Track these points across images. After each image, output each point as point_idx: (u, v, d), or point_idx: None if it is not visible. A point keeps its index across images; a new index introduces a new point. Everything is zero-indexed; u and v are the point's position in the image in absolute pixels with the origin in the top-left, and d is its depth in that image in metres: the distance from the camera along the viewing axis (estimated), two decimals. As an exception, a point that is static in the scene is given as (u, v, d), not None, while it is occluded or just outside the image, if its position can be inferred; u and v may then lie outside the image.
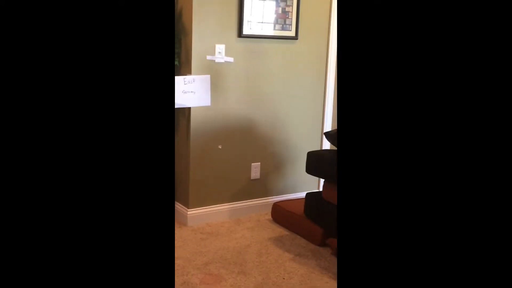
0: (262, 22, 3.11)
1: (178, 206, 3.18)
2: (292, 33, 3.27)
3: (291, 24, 3.25)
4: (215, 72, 3.03)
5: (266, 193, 3.53)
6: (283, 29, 3.22)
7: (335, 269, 2.61)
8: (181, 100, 2.78)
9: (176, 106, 2.72)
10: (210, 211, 3.27)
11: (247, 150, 3.35)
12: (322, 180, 3.62)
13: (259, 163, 3.42)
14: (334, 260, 2.75)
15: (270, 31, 3.17)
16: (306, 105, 3.57)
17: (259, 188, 3.48)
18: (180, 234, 2.92)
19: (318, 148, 3.72)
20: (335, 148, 3.16)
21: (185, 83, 2.80)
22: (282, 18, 3.20)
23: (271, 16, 3.15)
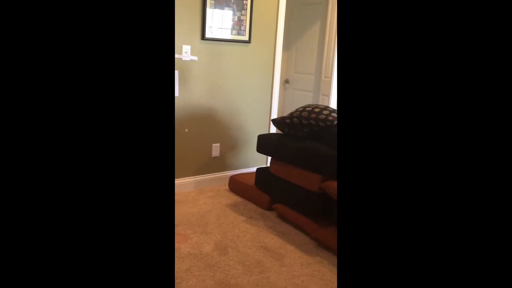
0: (221, 28, 3.26)
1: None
2: (246, 38, 3.45)
3: (245, 30, 3.42)
4: (182, 69, 3.16)
5: (224, 168, 3.74)
6: (238, 34, 3.38)
7: (279, 228, 2.83)
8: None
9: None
10: (178, 183, 3.42)
11: (209, 133, 3.51)
12: (269, 158, 3.97)
13: (219, 143, 3.61)
14: (278, 221, 2.96)
15: (228, 35, 3.32)
16: (257, 97, 3.77)
17: (218, 164, 3.68)
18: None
19: (266, 132, 3.94)
20: (280, 132, 3.48)
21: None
22: (238, 25, 3.36)
23: (229, 23, 3.30)
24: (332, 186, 2.59)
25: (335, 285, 2.21)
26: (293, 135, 3.04)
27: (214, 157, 3.65)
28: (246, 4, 3.38)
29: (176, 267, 2.29)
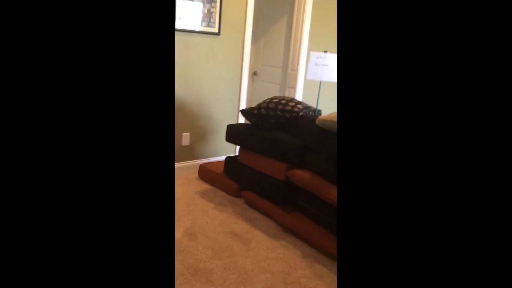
0: (191, 19, 3.27)
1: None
2: (215, 30, 3.48)
3: (215, 22, 3.45)
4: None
5: (194, 156, 3.75)
6: (208, 26, 3.41)
7: (246, 214, 2.89)
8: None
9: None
10: (147, 172, 3.52)
11: (179, 122, 3.50)
12: (237, 147, 4.01)
13: (189, 133, 3.62)
14: (246, 208, 3.01)
15: (198, 27, 3.34)
16: (226, 87, 3.79)
17: (188, 153, 3.68)
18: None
19: (235, 122, 3.97)
20: (248, 122, 3.46)
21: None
22: (207, 17, 3.38)
23: (199, 15, 3.31)
24: (296, 174, 2.68)
25: (298, 266, 2.31)
26: (261, 125, 3.10)
27: (184, 146, 3.65)
28: (216, -3, 3.40)
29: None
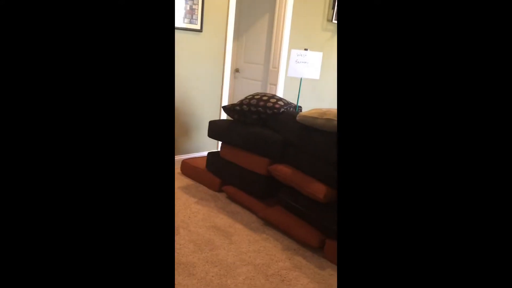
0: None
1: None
2: (198, 27, 3.48)
3: (197, 19, 3.44)
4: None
5: (177, 152, 3.75)
6: (190, 22, 3.40)
7: (228, 209, 2.90)
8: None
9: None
10: (130, 167, 3.49)
11: None
12: (220, 143, 4.03)
13: None
14: (228, 202, 3.03)
15: (181, 24, 3.32)
16: (208, 84, 3.79)
17: None
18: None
19: (217, 118, 3.98)
20: (230, 118, 3.52)
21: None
22: (190, 14, 3.37)
23: (181, 12, 3.30)
24: (278, 169, 2.71)
25: (279, 258, 2.35)
26: (243, 121, 3.11)
27: None
28: (198, -6, 3.37)
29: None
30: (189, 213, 2.80)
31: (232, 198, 3.13)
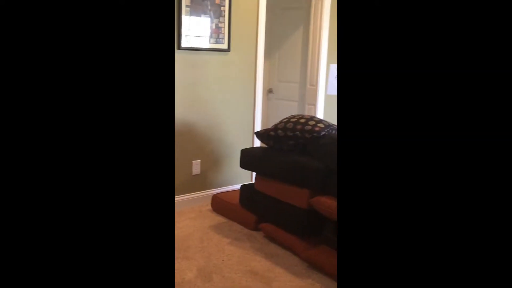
0: (199, 36, 3.31)
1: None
2: (225, 46, 3.51)
3: (224, 38, 3.48)
4: (157, 81, 3.29)
5: (206, 186, 3.76)
6: (217, 42, 3.44)
7: (266, 250, 2.86)
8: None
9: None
10: (156, 204, 3.53)
11: (188, 149, 3.54)
12: (254, 174, 3.93)
13: (199, 160, 3.64)
14: (266, 242, 2.98)
15: (206, 44, 3.38)
16: (239, 108, 3.82)
17: (200, 182, 3.70)
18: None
19: (250, 146, 3.97)
20: (264, 145, 3.45)
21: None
22: (216, 33, 3.42)
23: (207, 31, 3.36)
24: (321, 201, 2.62)
25: (329, 309, 2.22)
26: (278, 148, 3.08)
27: (195, 175, 3.67)
28: (224, 11, 3.44)
29: (155, 297, 2.27)
30: (222, 256, 2.78)
31: (270, 237, 3.07)
